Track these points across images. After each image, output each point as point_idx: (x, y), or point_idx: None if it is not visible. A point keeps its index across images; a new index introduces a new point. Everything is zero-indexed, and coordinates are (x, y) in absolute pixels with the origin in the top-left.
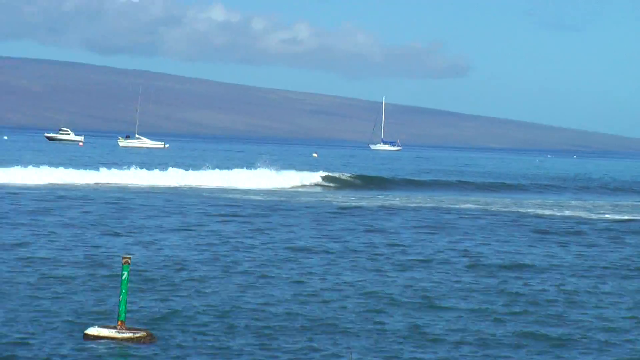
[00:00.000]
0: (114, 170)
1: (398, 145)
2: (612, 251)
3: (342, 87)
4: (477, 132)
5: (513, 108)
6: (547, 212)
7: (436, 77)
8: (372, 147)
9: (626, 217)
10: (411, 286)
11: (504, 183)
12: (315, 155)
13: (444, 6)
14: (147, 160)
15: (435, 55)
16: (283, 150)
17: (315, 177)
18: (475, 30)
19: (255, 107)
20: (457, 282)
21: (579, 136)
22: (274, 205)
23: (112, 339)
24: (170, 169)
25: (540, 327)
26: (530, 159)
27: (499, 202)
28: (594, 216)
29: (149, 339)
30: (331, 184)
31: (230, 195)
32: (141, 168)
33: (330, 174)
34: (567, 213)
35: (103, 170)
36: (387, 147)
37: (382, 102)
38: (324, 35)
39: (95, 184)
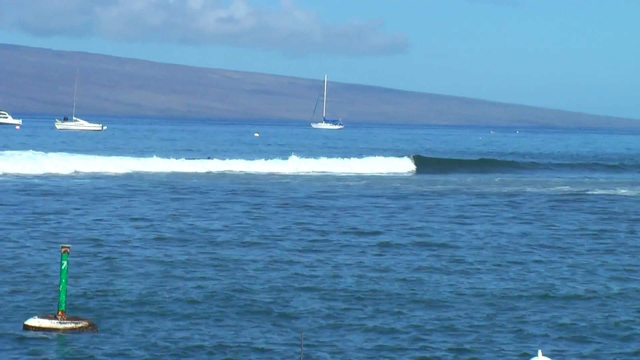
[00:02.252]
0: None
1: (340, 124)
2: None
3: (283, 65)
4: (419, 109)
5: (454, 84)
6: None
7: (377, 54)
8: (314, 125)
9: None
10: None
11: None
12: (257, 134)
13: None
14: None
15: (375, 33)
16: (224, 130)
17: (405, 162)
18: (414, 6)
19: (194, 87)
20: None
21: (520, 111)
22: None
23: (54, 329)
24: (292, 156)
25: None
26: (475, 135)
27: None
28: None
29: (91, 329)
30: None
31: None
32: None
33: (421, 155)
34: None
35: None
36: (329, 126)
37: (323, 81)
38: (263, 13)
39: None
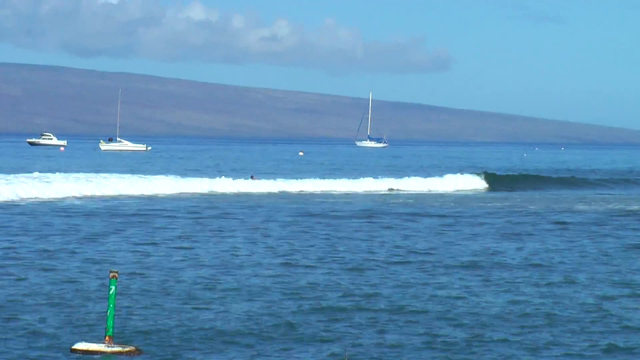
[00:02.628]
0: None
1: (385, 142)
2: None
3: (325, 83)
4: (462, 126)
5: (497, 101)
6: None
7: (419, 71)
8: (358, 144)
9: None
10: None
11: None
12: (301, 153)
13: (424, 0)
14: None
15: (418, 50)
16: (268, 149)
17: (476, 179)
18: (456, 23)
19: (237, 107)
20: None
21: (563, 127)
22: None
23: (101, 352)
24: (383, 178)
25: None
26: (519, 151)
27: None
28: None
29: (138, 353)
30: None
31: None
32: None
33: (489, 172)
34: None
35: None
36: (373, 144)
37: (367, 98)
38: (305, 32)
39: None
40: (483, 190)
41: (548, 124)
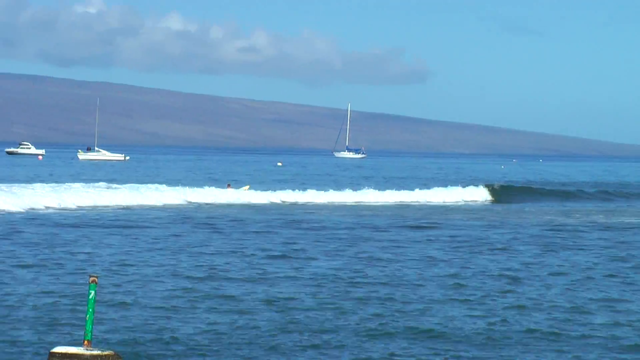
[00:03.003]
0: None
1: (363, 153)
2: None
3: (303, 94)
4: (440, 138)
5: (475, 112)
6: None
7: (397, 83)
8: (337, 154)
9: None
10: None
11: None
12: (279, 164)
13: (402, 12)
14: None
15: (396, 61)
16: (247, 160)
17: (481, 191)
18: (435, 35)
19: (214, 117)
20: None
21: (540, 139)
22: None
23: (80, 355)
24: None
25: None
26: (497, 163)
27: None
28: None
29: (116, 358)
30: (503, 196)
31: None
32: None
33: (492, 185)
34: None
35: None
36: (351, 155)
37: (345, 109)
38: (283, 42)
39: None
40: (489, 202)
41: (527, 136)
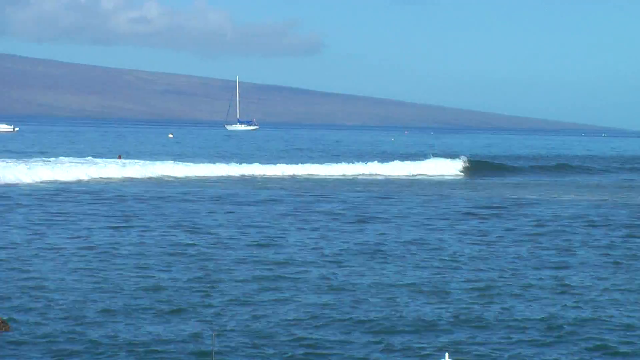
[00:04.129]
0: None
1: (255, 125)
2: None
3: (195, 66)
4: (333, 110)
5: (368, 85)
6: None
7: (291, 55)
8: (228, 127)
9: None
10: None
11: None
12: (170, 136)
13: None
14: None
15: (290, 33)
16: (137, 131)
17: (458, 163)
18: (329, 7)
19: (107, 88)
20: None
21: (432, 111)
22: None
23: None
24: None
25: None
26: (388, 135)
27: None
28: None
29: (3, 327)
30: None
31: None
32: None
33: (471, 159)
34: None
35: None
36: (243, 127)
37: (235, 82)
38: (175, 14)
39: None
40: (463, 176)
41: (420, 109)
